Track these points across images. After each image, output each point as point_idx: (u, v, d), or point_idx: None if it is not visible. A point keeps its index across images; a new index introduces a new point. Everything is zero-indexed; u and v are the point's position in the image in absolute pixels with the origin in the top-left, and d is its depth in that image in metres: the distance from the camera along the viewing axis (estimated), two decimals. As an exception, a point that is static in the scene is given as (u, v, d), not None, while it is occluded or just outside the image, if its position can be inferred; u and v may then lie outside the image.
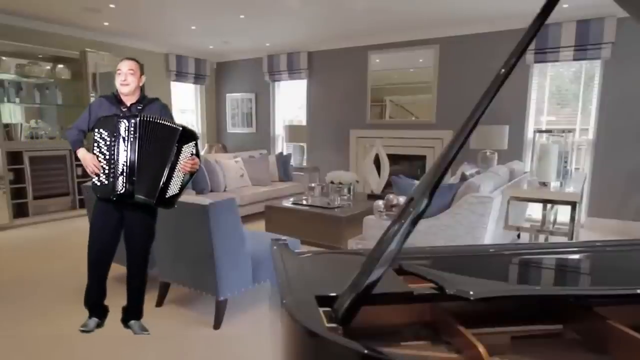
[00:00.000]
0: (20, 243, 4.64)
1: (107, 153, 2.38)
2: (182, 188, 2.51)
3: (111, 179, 2.39)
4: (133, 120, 2.38)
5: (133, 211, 2.50)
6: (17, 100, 5.52)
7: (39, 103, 5.76)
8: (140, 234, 2.54)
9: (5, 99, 5.39)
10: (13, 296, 3.16)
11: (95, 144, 2.40)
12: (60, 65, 5.77)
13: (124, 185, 2.39)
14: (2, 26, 5.36)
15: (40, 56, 5.63)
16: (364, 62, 6.73)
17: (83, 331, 2.56)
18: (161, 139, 2.43)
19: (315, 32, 6.40)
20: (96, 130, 2.40)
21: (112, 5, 5.04)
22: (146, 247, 2.58)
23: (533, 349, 1.00)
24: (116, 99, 2.49)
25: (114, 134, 2.37)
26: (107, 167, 2.39)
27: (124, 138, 2.37)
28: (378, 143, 5.76)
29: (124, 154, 2.38)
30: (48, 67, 5.69)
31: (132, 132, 2.37)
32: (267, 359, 2.31)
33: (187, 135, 2.48)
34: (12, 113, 5.59)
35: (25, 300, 3.09)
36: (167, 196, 2.46)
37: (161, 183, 2.42)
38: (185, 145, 2.48)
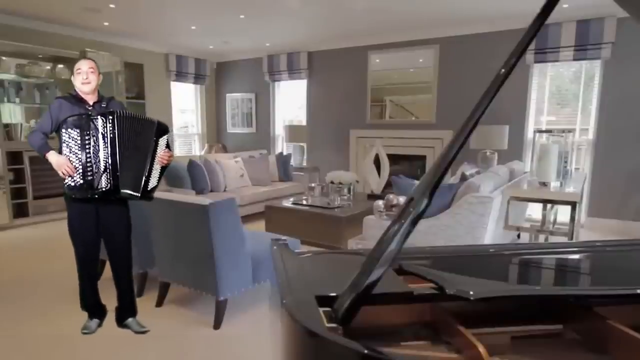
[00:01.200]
0: (20, 243, 4.64)
1: (79, 152, 2.35)
2: (159, 180, 2.56)
3: (89, 178, 2.36)
4: (110, 117, 2.37)
5: (109, 207, 2.50)
6: (17, 100, 5.52)
7: (39, 103, 5.75)
8: (121, 230, 2.56)
9: (5, 99, 5.39)
10: (13, 296, 3.16)
11: (65, 144, 2.34)
12: (60, 65, 5.76)
13: (109, 181, 2.38)
14: (2, 26, 5.36)
15: (40, 56, 5.62)
16: (364, 62, 6.73)
17: (87, 334, 2.57)
18: (140, 133, 2.45)
19: (315, 32, 6.40)
20: (64, 130, 2.34)
21: (112, 5, 5.04)
22: (129, 240, 2.60)
23: (533, 349, 1.00)
24: (76, 99, 2.46)
25: (88, 132, 2.34)
26: (80, 167, 2.35)
27: (103, 134, 2.36)
28: (378, 143, 5.76)
29: (104, 151, 2.37)
30: (48, 67, 5.69)
31: (110, 128, 2.37)
32: (267, 359, 2.31)
33: (162, 129, 2.55)
34: (12, 113, 5.59)
35: (25, 300, 3.09)
36: (149, 189, 2.50)
37: (144, 176, 2.46)
38: (161, 139, 2.53)
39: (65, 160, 2.33)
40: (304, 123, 7.54)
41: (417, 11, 5.22)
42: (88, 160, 2.35)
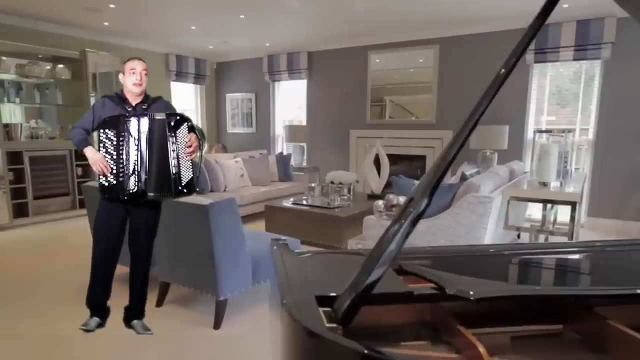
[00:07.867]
0: (20, 243, 4.64)
1: (114, 153, 2.39)
2: (194, 170, 2.53)
3: (120, 179, 2.39)
4: (143, 119, 2.39)
5: (139, 209, 2.50)
6: (17, 100, 5.52)
7: (39, 103, 5.75)
8: (145, 232, 2.55)
9: (5, 99, 5.38)
10: (13, 296, 3.16)
11: (101, 144, 2.40)
12: (60, 65, 5.76)
13: (136, 183, 2.40)
14: (2, 26, 5.36)
15: (40, 56, 5.62)
16: (364, 62, 6.73)
17: (84, 330, 2.56)
18: (161, 133, 2.44)
19: (315, 32, 6.40)
20: (101, 130, 2.40)
21: (112, 5, 5.04)
22: (150, 244, 2.59)
23: (533, 349, 1.00)
24: (120, 99, 2.48)
25: (122, 133, 2.38)
26: (114, 167, 2.40)
27: (134, 137, 2.39)
28: (378, 143, 5.76)
29: (135, 153, 2.39)
30: (48, 67, 5.68)
31: (140, 131, 2.39)
32: (267, 359, 2.31)
33: (177, 121, 2.47)
34: (12, 113, 5.59)
35: (25, 300, 3.09)
36: (182, 185, 2.48)
37: (172, 175, 2.44)
38: (178, 130, 2.48)
39: (101, 158, 2.38)
40: (304, 123, 7.54)
41: (417, 11, 5.21)
42: (120, 161, 2.39)
